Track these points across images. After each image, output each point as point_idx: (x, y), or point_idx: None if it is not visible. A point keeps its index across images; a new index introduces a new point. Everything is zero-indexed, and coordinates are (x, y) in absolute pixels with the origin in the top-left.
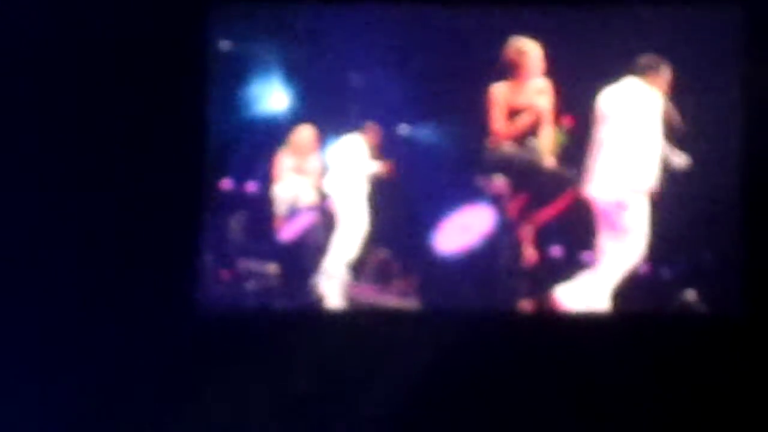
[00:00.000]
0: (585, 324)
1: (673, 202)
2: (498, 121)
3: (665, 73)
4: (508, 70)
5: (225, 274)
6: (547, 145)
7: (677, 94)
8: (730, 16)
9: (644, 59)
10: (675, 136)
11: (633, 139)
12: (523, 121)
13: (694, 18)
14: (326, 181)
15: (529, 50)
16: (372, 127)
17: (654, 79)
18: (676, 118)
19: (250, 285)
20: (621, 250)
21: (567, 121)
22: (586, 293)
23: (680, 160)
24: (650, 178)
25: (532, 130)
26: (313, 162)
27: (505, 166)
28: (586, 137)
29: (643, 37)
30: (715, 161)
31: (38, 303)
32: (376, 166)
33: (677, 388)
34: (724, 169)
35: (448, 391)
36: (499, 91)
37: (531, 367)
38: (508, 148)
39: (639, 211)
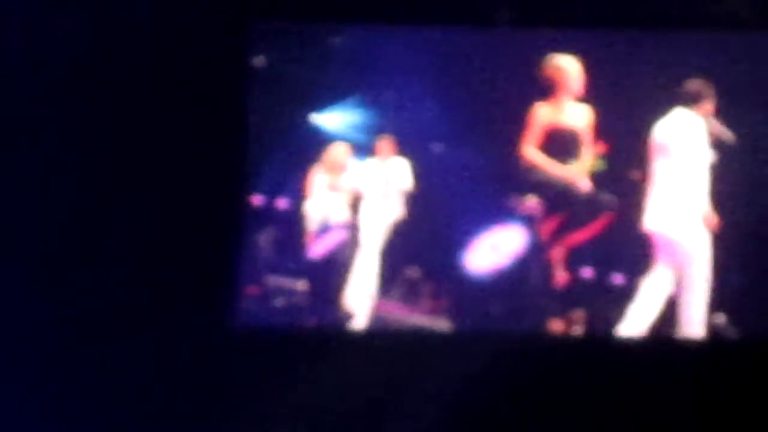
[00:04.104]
0: (615, 347)
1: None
2: (529, 145)
3: (711, 97)
4: (547, 88)
5: (254, 290)
6: (584, 169)
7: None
8: None
9: (690, 85)
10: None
11: (690, 172)
12: (555, 149)
13: (740, 44)
14: (358, 198)
15: (567, 67)
16: (388, 138)
17: (700, 105)
18: (725, 133)
19: (279, 301)
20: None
21: (601, 147)
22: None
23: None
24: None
25: (570, 152)
26: (346, 179)
27: (541, 187)
28: (622, 162)
29: (686, 63)
30: (754, 185)
31: (68, 321)
32: (408, 182)
33: (706, 412)
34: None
35: (476, 410)
36: (541, 112)
37: (559, 389)
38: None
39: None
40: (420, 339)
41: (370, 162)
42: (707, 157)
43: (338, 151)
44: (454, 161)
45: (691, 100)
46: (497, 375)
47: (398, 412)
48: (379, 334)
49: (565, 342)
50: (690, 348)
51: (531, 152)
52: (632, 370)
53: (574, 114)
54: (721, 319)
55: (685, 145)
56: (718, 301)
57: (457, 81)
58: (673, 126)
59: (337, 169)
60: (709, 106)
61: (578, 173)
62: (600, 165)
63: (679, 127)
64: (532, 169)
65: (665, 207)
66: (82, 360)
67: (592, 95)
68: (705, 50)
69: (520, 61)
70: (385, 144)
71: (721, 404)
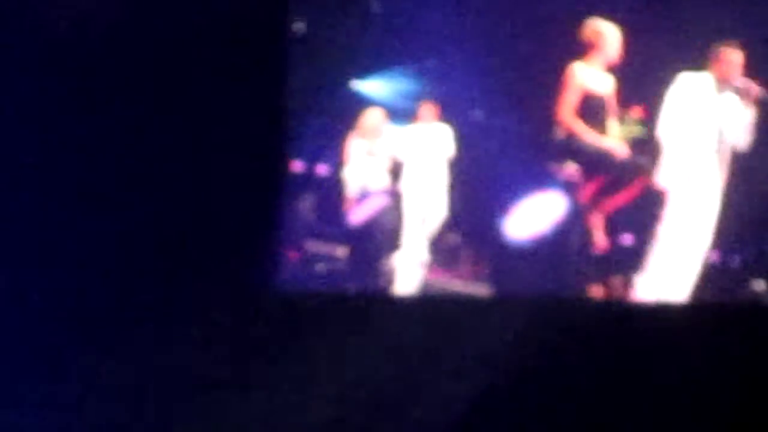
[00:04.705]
0: (653, 312)
1: (741, 190)
2: (566, 109)
3: (738, 58)
4: (584, 51)
5: (294, 255)
6: (618, 134)
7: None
8: None
9: (716, 47)
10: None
11: (703, 130)
12: (588, 115)
13: None
14: (398, 164)
15: (606, 32)
16: (430, 103)
17: (727, 65)
18: (755, 87)
19: (319, 267)
20: (690, 238)
21: (637, 112)
22: (661, 282)
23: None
24: (720, 167)
25: (601, 119)
26: (383, 145)
27: (578, 153)
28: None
29: (719, 26)
30: None
31: (109, 284)
32: (451, 148)
33: (746, 378)
34: None
35: (515, 375)
36: (578, 72)
37: (598, 355)
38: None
39: (709, 200)
40: (460, 304)
41: (411, 128)
42: (730, 117)
43: (373, 117)
44: (494, 128)
45: (715, 60)
46: (536, 340)
47: (436, 377)
48: (418, 300)
49: (605, 307)
50: (730, 314)
51: (568, 118)
52: (672, 335)
53: (602, 81)
54: (761, 285)
55: (697, 105)
56: (758, 268)
57: (499, 46)
58: (686, 87)
59: (372, 134)
60: (736, 66)
61: (615, 141)
62: (640, 131)
63: (691, 88)
64: (569, 137)
65: (674, 164)
66: (119, 322)
67: (629, 59)
68: (738, 13)
69: (562, 28)
70: (427, 109)
71: (763, 371)
